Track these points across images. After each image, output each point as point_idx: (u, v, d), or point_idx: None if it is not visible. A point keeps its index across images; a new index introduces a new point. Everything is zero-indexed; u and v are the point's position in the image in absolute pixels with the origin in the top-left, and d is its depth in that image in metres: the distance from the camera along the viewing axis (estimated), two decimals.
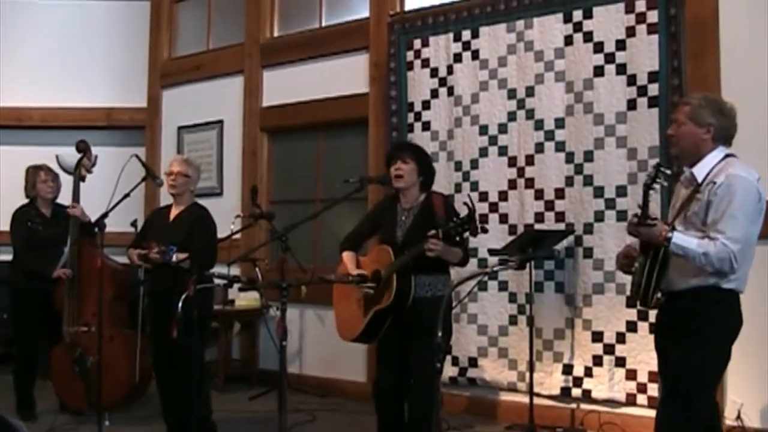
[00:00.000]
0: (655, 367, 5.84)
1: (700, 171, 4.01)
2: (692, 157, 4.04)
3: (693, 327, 3.94)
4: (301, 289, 5.87)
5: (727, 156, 4.02)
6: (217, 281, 5.66)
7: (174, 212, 6.05)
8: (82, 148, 6.79)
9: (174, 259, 5.64)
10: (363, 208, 7.34)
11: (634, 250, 4.16)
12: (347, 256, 5.21)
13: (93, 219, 6.42)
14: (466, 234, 4.70)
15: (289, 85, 8.33)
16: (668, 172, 3.93)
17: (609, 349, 6.16)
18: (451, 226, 4.61)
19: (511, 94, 6.70)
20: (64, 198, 6.87)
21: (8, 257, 6.87)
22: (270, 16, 8.66)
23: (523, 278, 6.40)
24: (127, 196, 6.02)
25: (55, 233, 6.66)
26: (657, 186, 3.94)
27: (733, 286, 3.94)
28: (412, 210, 5.06)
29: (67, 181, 6.95)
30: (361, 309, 5.07)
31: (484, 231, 4.83)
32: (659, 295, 4.02)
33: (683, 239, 3.89)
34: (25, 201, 6.92)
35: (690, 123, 4.03)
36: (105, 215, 6.26)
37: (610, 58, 6.23)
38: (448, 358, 6.73)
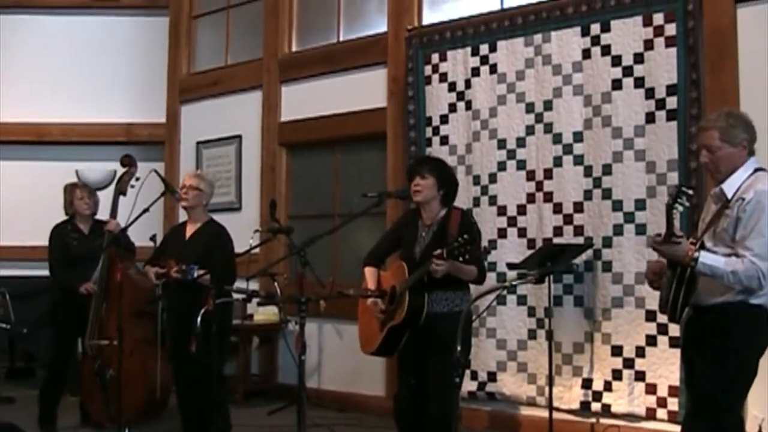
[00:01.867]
0: (675, 382, 5.87)
1: (729, 187, 4.00)
2: (729, 175, 4.04)
3: (722, 340, 3.93)
4: (320, 303, 5.91)
5: (756, 170, 4.01)
6: (236, 296, 5.69)
7: (190, 229, 6.10)
8: (127, 162, 6.85)
9: (194, 275, 5.68)
10: (381, 223, 7.36)
11: (663, 266, 4.15)
12: (369, 272, 5.24)
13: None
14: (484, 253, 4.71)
15: (307, 99, 8.36)
16: (690, 192, 3.91)
17: (628, 363, 6.15)
18: (454, 246, 4.60)
19: (529, 107, 6.72)
20: (104, 214, 6.91)
21: (34, 272, 6.93)
22: (288, 31, 8.71)
23: (542, 292, 6.40)
24: (146, 210, 6.07)
25: (92, 249, 6.69)
26: (680, 207, 3.92)
27: (761, 301, 3.93)
28: (432, 226, 5.07)
29: (106, 195, 6.99)
30: (379, 324, 5.10)
31: (486, 252, 4.83)
32: (687, 309, 4.01)
33: (710, 258, 3.88)
34: (65, 218, 6.97)
35: (726, 146, 4.01)
36: (124, 230, 6.35)
37: (628, 72, 6.24)
38: (467, 372, 6.73)
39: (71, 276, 6.64)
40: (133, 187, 6.71)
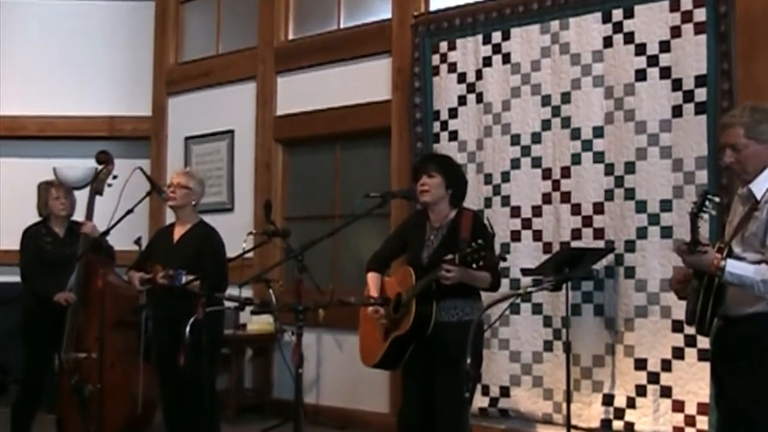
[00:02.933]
0: (704, 398, 5.86)
1: (758, 187, 3.98)
2: (757, 175, 4.01)
3: (754, 354, 3.93)
4: (319, 312, 5.87)
5: None
6: (227, 304, 5.69)
7: (178, 232, 6.10)
8: (103, 159, 6.84)
9: (183, 281, 5.69)
10: (386, 224, 7.36)
11: (689, 273, 4.13)
12: (371, 278, 5.26)
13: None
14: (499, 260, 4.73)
15: (305, 92, 8.37)
16: (717, 199, 3.90)
17: (653, 378, 6.14)
18: (468, 252, 4.61)
19: (546, 100, 6.71)
20: (80, 214, 6.89)
21: (6, 278, 6.90)
22: (284, 17, 8.71)
23: (559, 300, 6.39)
24: (130, 211, 6.08)
25: (68, 253, 6.66)
26: (705, 215, 3.90)
27: None
28: (441, 229, 5.08)
29: (82, 195, 6.97)
30: (382, 334, 5.10)
31: (502, 258, 4.85)
32: (716, 320, 4.00)
33: (738, 267, 3.87)
34: (39, 219, 6.94)
35: (752, 143, 3.97)
36: (107, 232, 6.33)
37: (653, 61, 6.23)
38: (478, 387, 6.73)
39: (46, 283, 6.60)
40: (110, 186, 6.71)
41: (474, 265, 4.66)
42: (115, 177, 6.72)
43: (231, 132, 8.96)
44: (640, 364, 6.19)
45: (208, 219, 6.36)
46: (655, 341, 6.14)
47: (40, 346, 6.65)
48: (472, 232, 4.89)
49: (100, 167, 6.83)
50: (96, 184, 6.77)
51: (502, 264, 6.55)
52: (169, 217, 7.54)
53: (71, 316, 6.54)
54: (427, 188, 5.05)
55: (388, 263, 5.40)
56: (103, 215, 6.56)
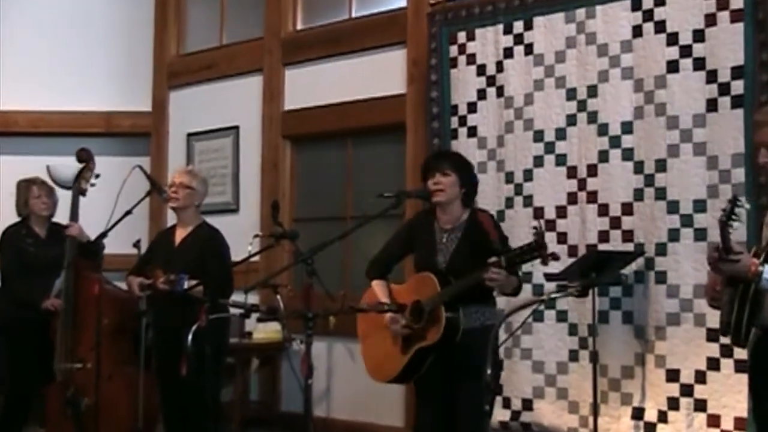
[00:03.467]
0: (742, 413, 5.84)
1: None
2: None
3: None
4: (330, 319, 5.89)
5: None
6: (232, 311, 5.70)
7: (180, 234, 6.12)
8: (84, 157, 6.86)
9: (185, 286, 5.70)
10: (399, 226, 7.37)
11: (722, 282, 4.12)
12: (378, 286, 5.27)
13: (92, 239, 6.50)
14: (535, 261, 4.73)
15: (314, 85, 8.38)
16: (747, 206, 3.89)
17: (687, 391, 6.12)
18: (517, 254, 4.62)
19: (571, 94, 6.71)
20: (62, 216, 6.90)
21: None
22: (293, 7, 8.72)
23: (585, 307, 6.38)
24: (128, 213, 6.10)
25: (51, 256, 6.67)
26: (735, 224, 3.89)
27: None
28: (455, 231, 5.08)
29: (64, 196, 6.99)
30: (399, 345, 5.10)
31: (555, 258, 4.79)
32: (753, 330, 3.99)
33: None
34: (18, 219, 6.94)
35: None
36: (104, 235, 6.35)
37: (686, 52, 6.21)
38: (498, 399, 6.72)
39: (29, 288, 6.59)
40: (93, 185, 6.73)
41: (516, 269, 4.73)
42: (97, 176, 6.75)
43: (236, 128, 8.97)
44: (673, 376, 6.18)
45: (212, 220, 6.37)
46: (688, 351, 6.12)
47: (25, 356, 6.63)
48: (499, 233, 4.92)
49: (81, 166, 6.84)
50: (78, 183, 6.79)
51: (524, 267, 6.59)
52: (170, 218, 7.56)
53: (62, 324, 6.53)
54: (442, 187, 5.06)
55: (391, 269, 5.41)
56: (100, 217, 6.58)
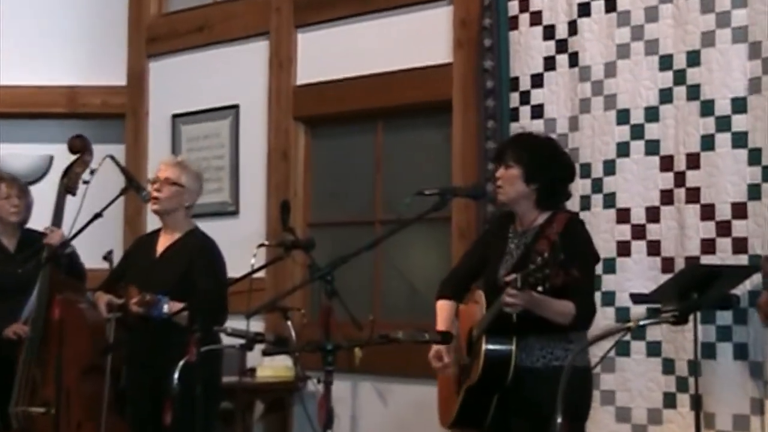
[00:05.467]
0: None
1: None
2: None
3: None
4: (355, 352, 5.92)
5: None
6: (229, 341, 5.71)
7: (164, 242, 6.15)
8: (78, 147, 6.89)
9: (165, 309, 5.71)
10: (445, 233, 7.37)
11: None
12: (442, 308, 5.31)
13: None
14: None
15: (335, 53, 8.41)
16: None
17: None
18: (530, 270, 4.58)
19: (665, 62, 6.69)
20: (38, 220, 6.93)
21: None
22: None
23: (685, 338, 6.36)
24: (98, 216, 6.13)
25: (23, 273, 6.69)
26: None
27: None
28: (524, 237, 5.08)
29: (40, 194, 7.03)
30: (455, 383, 5.13)
31: (570, 276, 4.70)
32: None
33: None
34: None
35: None
36: (66, 243, 6.37)
37: None
38: None
39: None
40: (87, 183, 6.75)
41: (540, 288, 4.63)
42: (93, 172, 6.76)
43: (235, 108, 9.01)
44: None
45: (204, 226, 6.40)
46: None
47: None
48: (559, 239, 4.84)
49: (74, 157, 6.88)
50: (68, 180, 6.82)
51: (604, 286, 6.57)
52: (152, 223, 7.59)
53: (24, 358, 6.57)
54: (500, 183, 5.06)
55: (467, 285, 5.42)
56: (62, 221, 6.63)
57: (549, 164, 5.15)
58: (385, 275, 8.14)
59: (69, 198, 6.76)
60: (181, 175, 6.12)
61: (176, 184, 6.08)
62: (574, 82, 7.04)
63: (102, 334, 6.54)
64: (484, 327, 4.92)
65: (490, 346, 4.89)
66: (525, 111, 7.24)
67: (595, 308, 5.18)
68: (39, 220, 6.92)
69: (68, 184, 6.82)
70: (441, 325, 5.22)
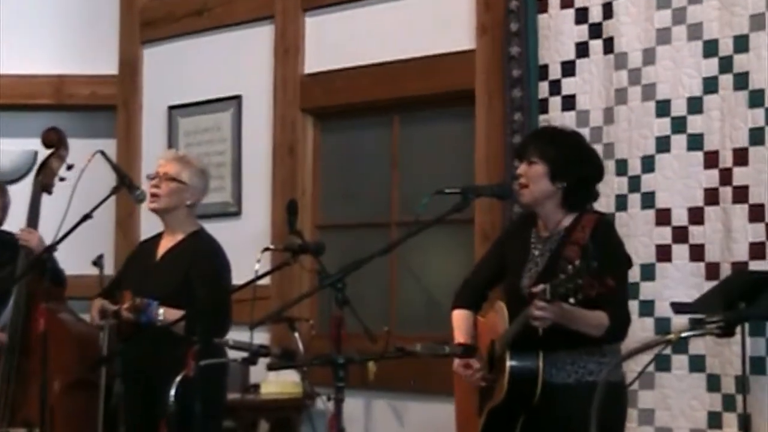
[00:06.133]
0: None
1: None
2: None
3: None
4: (369, 367, 5.90)
5: None
6: (231, 354, 5.71)
7: (165, 245, 6.15)
8: (53, 140, 6.90)
9: (155, 316, 5.71)
10: (467, 236, 7.36)
11: None
12: (458, 318, 5.30)
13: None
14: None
15: (346, 39, 8.41)
16: None
17: None
18: (560, 280, 4.56)
19: (710, 48, 6.68)
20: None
21: None
22: None
23: (732, 351, 6.36)
24: (87, 217, 6.12)
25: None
26: None
27: None
28: (550, 242, 5.07)
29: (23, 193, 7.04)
30: (477, 402, 5.14)
31: (606, 287, 4.64)
32: None
33: None
34: None
35: None
36: (52, 247, 6.37)
37: None
38: None
39: None
40: (63, 180, 6.75)
41: (571, 300, 4.60)
42: (69, 167, 6.76)
43: (237, 99, 9.03)
44: None
45: (205, 227, 6.38)
46: None
47: None
48: (588, 246, 4.82)
49: (48, 152, 6.88)
50: (43, 177, 6.82)
51: (642, 295, 6.55)
52: (146, 225, 7.59)
53: (2, 372, 6.58)
54: (524, 182, 5.04)
55: (484, 295, 5.41)
56: (47, 221, 6.61)
57: (577, 161, 5.14)
58: (401, 283, 8.14)
59: (56, 198, 6.74)
60: (182, 171, 6.11)
61: (176, 181, 6.07)
62: (610, 70, 7.04)
63: (88, 346, 6.55)
64: (508, 341, 4.91)
65: (515, 363, 4.89)
66: (555, 102, 7.25)
67: (630, 318, 5.15)
68: (22, 222, 6.92)
69: (43, 182, 6.82)
70: (460, 336, 5.21)
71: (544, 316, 4.66)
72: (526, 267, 5.10)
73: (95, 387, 6.69)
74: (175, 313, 5.71)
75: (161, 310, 5.76)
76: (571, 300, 4.55)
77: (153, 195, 6.06)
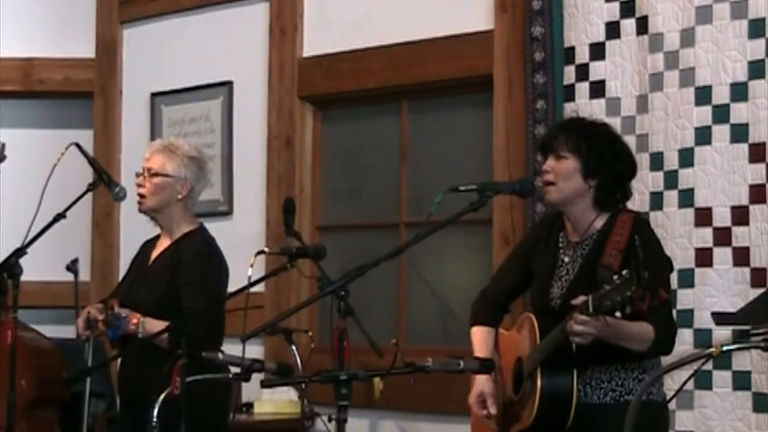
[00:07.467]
0: None
1: None
2: None
3: None
4: (375, 384, 5.94)
5: None
6: (222, 370, 5.74)
7: (159, 248, 6.16)
8: None
9: (138, 328, 5.73)
10: (484, 238, 7.39)
11: None
12: (478, 334, 5.30)
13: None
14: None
15: (350, 17, 8.44)
16: None
17: None
18: (604, 292, 4.54)
19: (756, 28, 6.69)
20: None
21: None
22: None
23: None
24: (60, 217, 6.14)
25: None
26: None
27: None
28: (581, 247, 5.07)
29: None
30: (496, 426, 5.18)
31: (660, 299, 4.59)
32: None
33: None
34: None
35: None
36: (20, 252, 6.39)
37: None
38: None
39: None
40: None
41: (618, 314, 4.58)
42: (3, 158, 6.80)
43: (228, 84, 9.06)
44: None
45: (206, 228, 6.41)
46: None
47: None
48: (626, 249, 4.83)
49: None
50: None
51: (680, 304, 6.57)
52: (125, 226, 7.62)
53: None
54: (551, 178, 5.05)
55: (505, 306, 5.42)
56: (15, 222, 6.65)
57: (613, 155, 5.13)
58: (411, 290, 8.16)
59: (26, 196, 6.77)
60: (166, 163, 6.08)
61: (161, 175, 6.06)
62: (643, 52, 7.06)
63: (47, 357, 6.56)
64: (540, 359, 4.90)
65: (548, 381, 4.88)
66: (582, 88, 7.27)
67: (676, 328, 5.17)
68: None
69: None
70: (479, 351, 5.22)
71: (586, 332, 4.61)
72: (555, 275, 5.10)
73: (56, 404, 6.72)
74: (157, 325, 5.71)
75: (144, 320, 5.78)
76: (618, 314, 4.51)
77: (139, 195, 6.07)
